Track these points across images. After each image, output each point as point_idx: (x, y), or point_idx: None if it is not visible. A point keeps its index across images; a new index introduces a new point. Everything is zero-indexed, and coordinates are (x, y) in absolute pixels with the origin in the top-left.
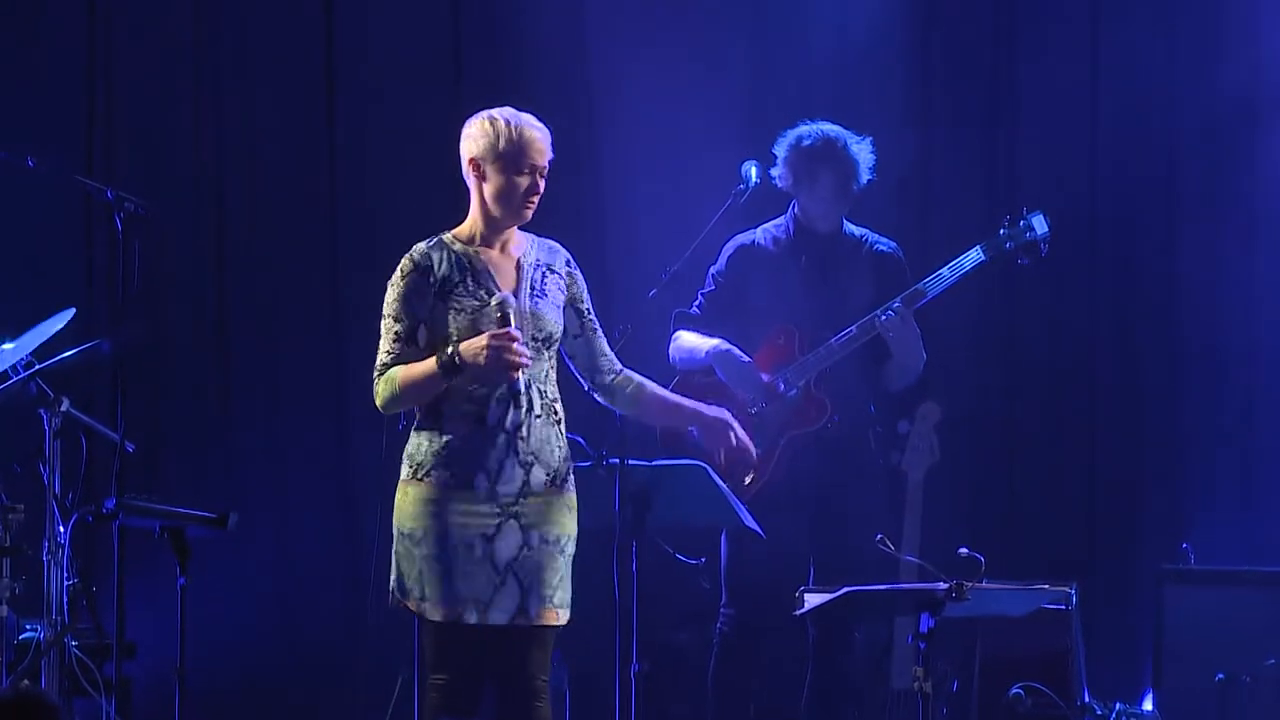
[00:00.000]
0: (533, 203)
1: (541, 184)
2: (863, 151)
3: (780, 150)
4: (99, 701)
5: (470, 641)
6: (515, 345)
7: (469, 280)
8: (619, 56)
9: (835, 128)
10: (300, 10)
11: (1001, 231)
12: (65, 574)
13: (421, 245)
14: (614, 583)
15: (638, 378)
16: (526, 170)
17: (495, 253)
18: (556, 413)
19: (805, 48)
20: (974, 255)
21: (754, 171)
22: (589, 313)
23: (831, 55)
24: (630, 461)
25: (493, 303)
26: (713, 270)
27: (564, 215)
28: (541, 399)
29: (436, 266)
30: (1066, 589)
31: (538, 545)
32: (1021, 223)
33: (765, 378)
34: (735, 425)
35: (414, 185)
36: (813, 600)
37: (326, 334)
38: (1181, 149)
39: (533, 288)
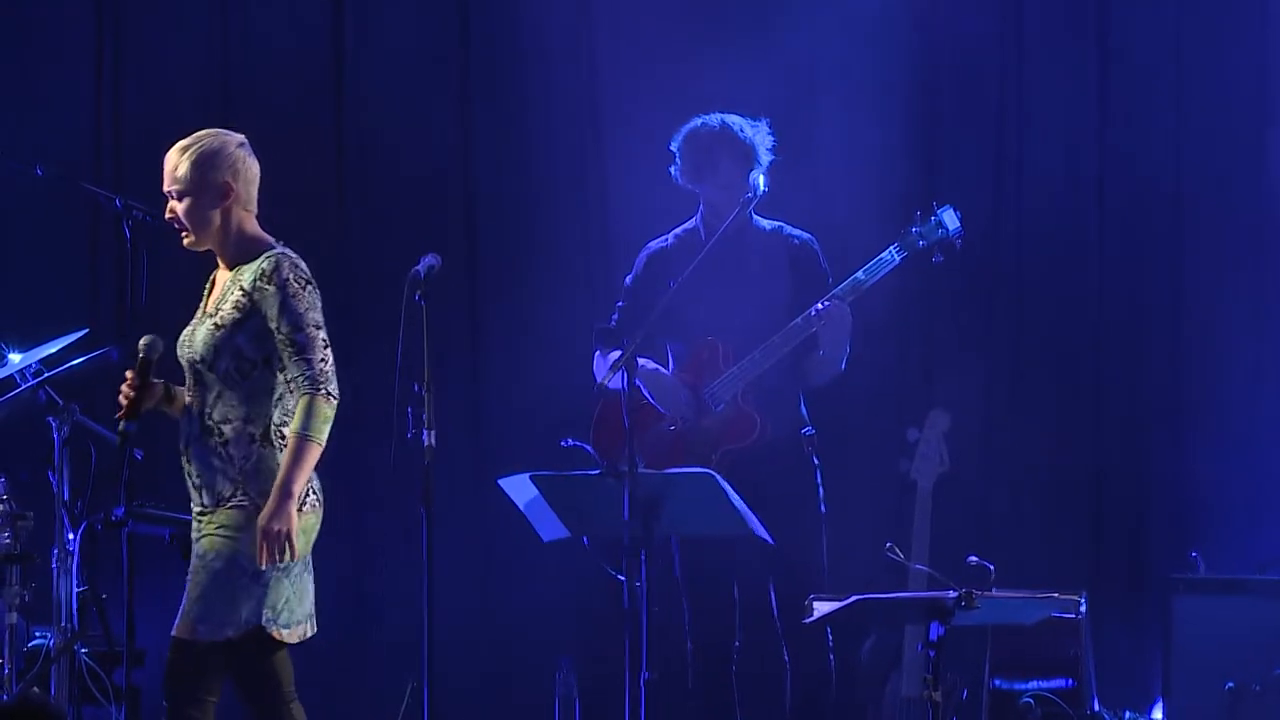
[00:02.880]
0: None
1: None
2: (759, 134)
3: (676, 145)
4: (109, 709)
5: None
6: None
7: None
8: (624, 56)
9: (729, 116)
10: (308, 16)
11: (913, 229)
12: (75, 581)
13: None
14: (624, 591)
15: None
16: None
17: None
18: (219, 434)
19: (808, 50)
20: (889, 256)
21: (761, 180)
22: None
23: (834, 55)
24: (639, 470)
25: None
26: (627, 280)
27: (569, 222)
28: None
29: None
30: (1076, 597)
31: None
32: (933, 219)
33: (690, 394)
34: None
35: (420, 190)
36: (822, 608)
37: (335, 339)
38: (1190, 150)
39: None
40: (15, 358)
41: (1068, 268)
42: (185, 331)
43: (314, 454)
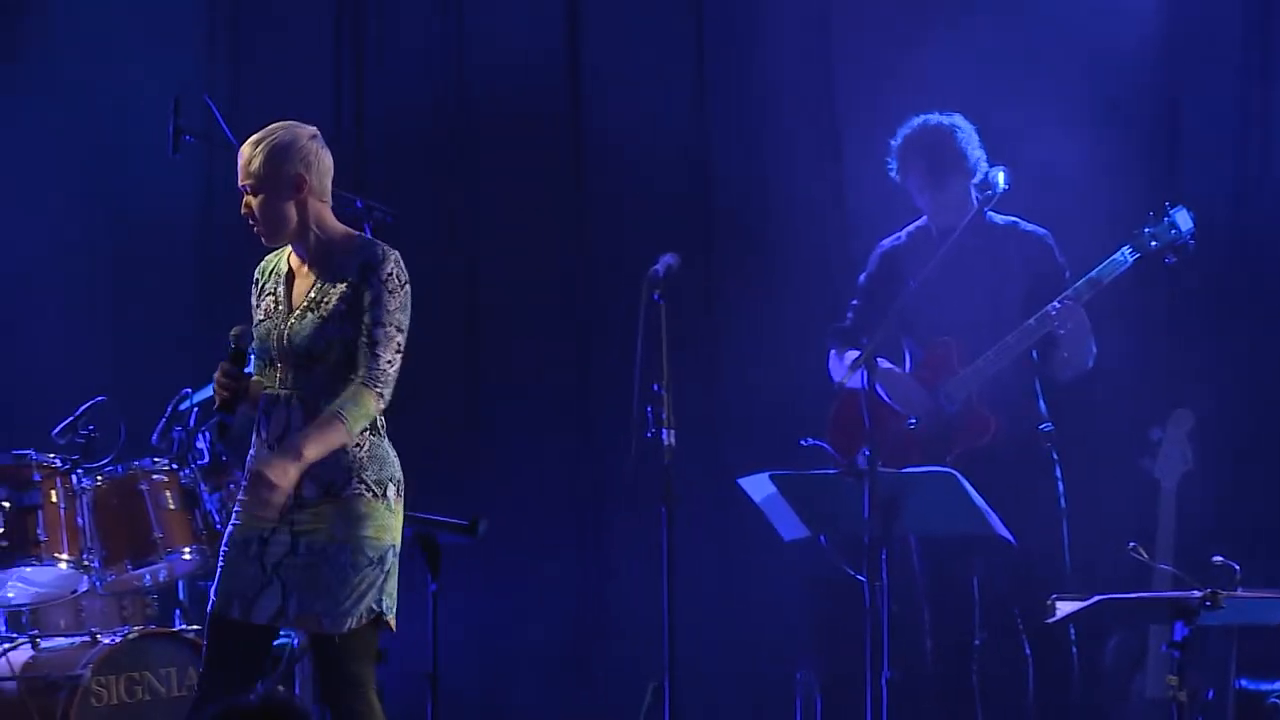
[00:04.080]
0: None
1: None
2: (957, 137)
3: (897, 146)
4: None
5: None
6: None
7: None
8: (861, 48)
9: (941, 116)
10: (544, 14)
11: (1145, 230)
12: None
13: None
14: (864, 590)
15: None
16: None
17: None
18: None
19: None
20: (1121, 257)
21: (1001, 177)
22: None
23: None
24: (879, 469)
25: None
26: (861, 279)
27: (806, 219)
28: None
29: None
30: None
31: (304, 553)
32: (1165, 220)
33: (926, 394)
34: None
35: (657, 189)
36: (1065, 607)
37: (573, 340)
38: None
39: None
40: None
41: None
42: (267, 325)
43: (340, 437)
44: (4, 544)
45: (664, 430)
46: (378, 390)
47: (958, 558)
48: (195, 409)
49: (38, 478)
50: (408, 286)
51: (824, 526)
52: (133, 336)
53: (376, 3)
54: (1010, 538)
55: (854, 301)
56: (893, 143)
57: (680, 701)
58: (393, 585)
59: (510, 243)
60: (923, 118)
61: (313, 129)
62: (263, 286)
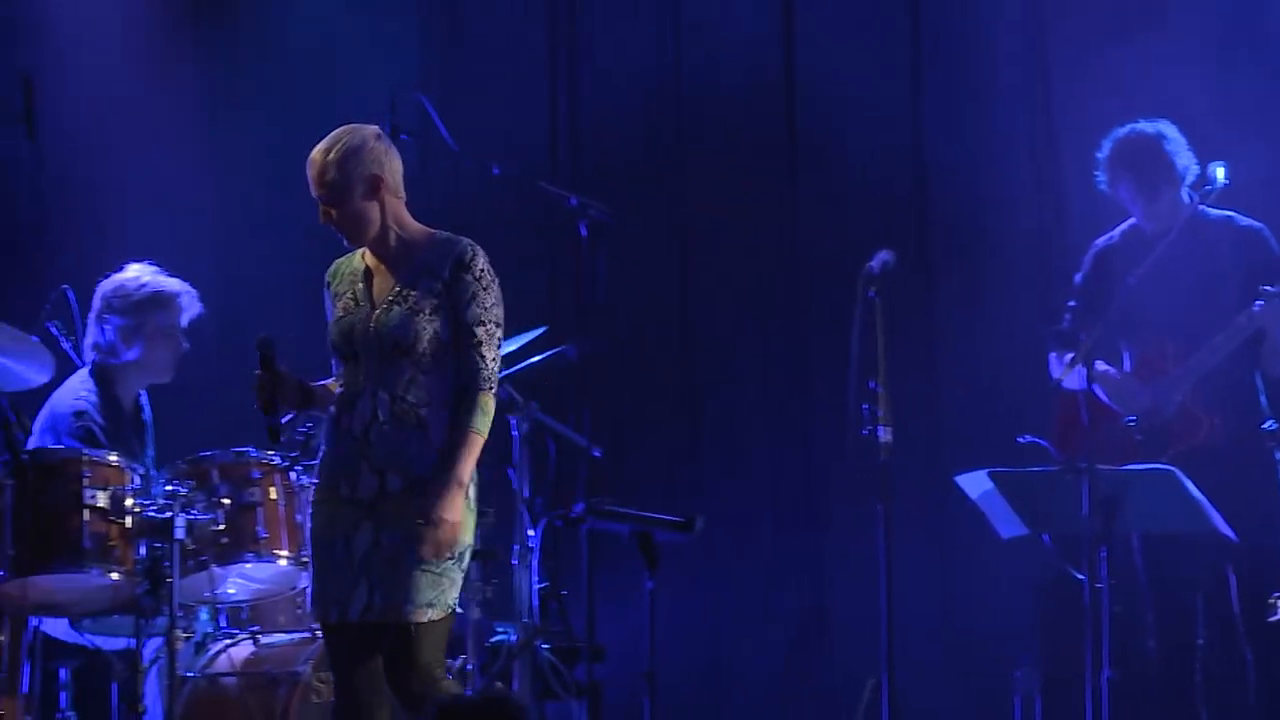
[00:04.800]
0: None
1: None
2: (1165, 146)
3: (1105, 154)
4: (570, 704)
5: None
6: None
7: None
8: (1079, 54)
9: (1147, 124)
10: (759, 6)
11: None
12: (535, 577)
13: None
14: (1084, 589)
15: None
16: None
17: None
18: (416, 417)
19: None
20: None
21: (1221, 173)
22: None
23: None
24: (1099, 466)
25: None
26: (1076, 278)
27: (1022, 215)
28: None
29: None
30: None
31: (387, 545)
32: None
33: (1142, 393)
34: None
35: (872, 186)
36: None
37: (788, 338)
38: None
39: None
40: None
41: None
42: (349, 321)
43: (479, 447)
44: (224, 541)
45: (880, 427)
46: (491, 389)
47: (1180, 556)
48: None
49: (257, 475)
50: (497, 280)
51: (1043, 524)
52: None
53: (591, 3)
54: (1232, 535)
55: (1070, 303)
56: (1099, 155)
57: (899, 698)
58: (460, 583)
59: (725, 240)
60: (1129, 127)
61: (376, 129)
62: (335, 289)
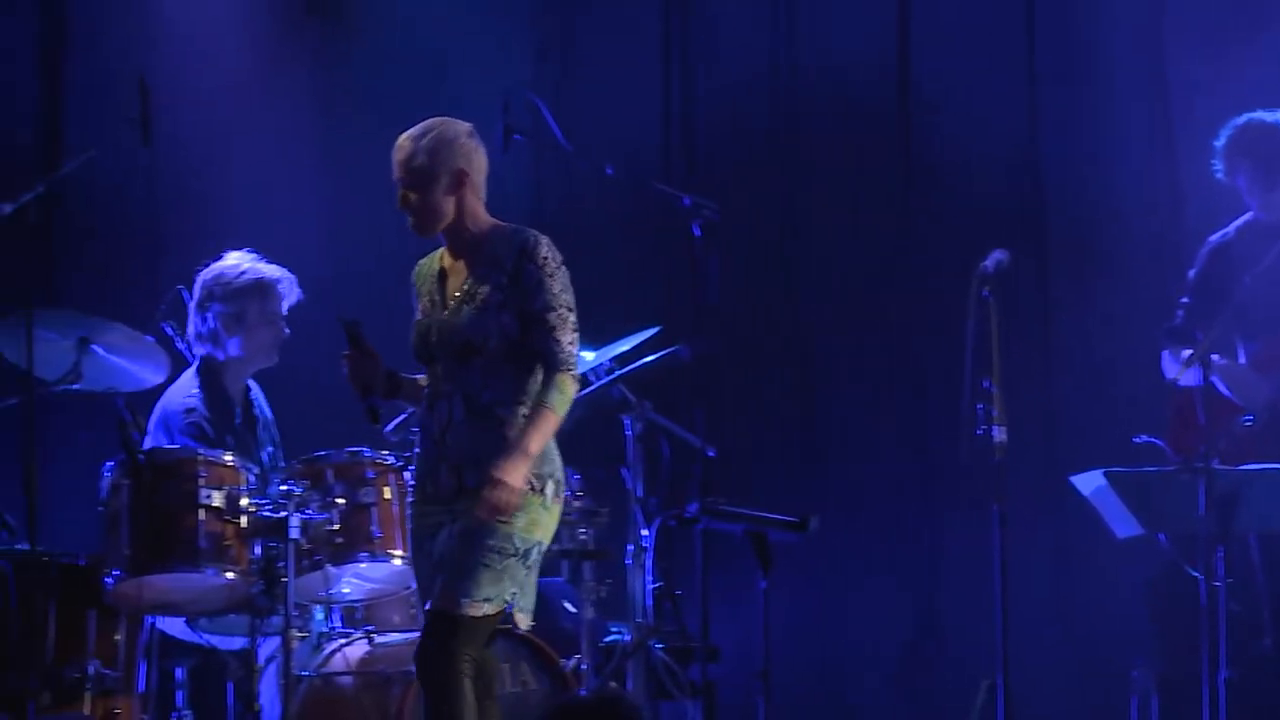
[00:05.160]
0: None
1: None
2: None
3: (1223, 144)
4: (684, 704)
5: None
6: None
7: None
8: (1198, 50)
9: (1265, 114)
10: (874, 17)
11: None
12: (649, 577)
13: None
14: (1200, 589)
15: None
16: None
17: None
18: (493, 416)
19: None
20: None
21: None
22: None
23: None
24: (1216, 466)
25: None
26: (1190, 275)
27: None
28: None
29: None
30: None
31: (457, 535)
32: None
33: (1265, 390)
34: None
35: (987, 184)
36: None
37: (902, 337)
38: None
39: None
40: (589, 356)
41: None
42: (425, 323)
43: (553, 425)
44: (339, 540)
45: (995, 427)
46: (570, 372)
47: None
48: None
49: (371, 475)
50: (564, 267)
51: (1159, 524)
52: None
53: (704, 3)
54: None
55: (1184, 299)
56: (1216, 144)
57: (1014, 700)
58: (532, 583)
59: (838, 240)
60: (1247, 117)
61: (469, 125)
62: (419, 289)
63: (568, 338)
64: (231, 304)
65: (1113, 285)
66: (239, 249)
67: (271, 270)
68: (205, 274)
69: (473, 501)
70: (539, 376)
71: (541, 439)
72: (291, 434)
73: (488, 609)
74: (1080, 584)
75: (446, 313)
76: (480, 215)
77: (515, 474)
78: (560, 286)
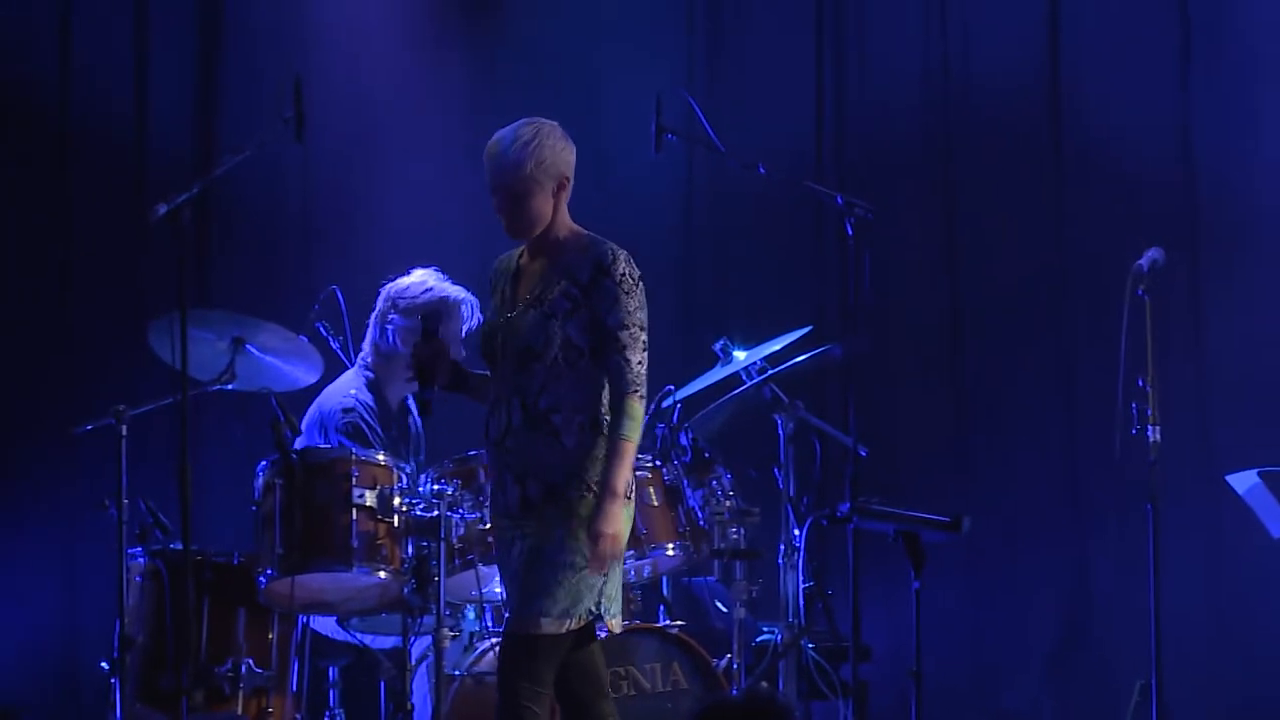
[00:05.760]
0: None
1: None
2: None
3: None
4: (836, 703)
5: None
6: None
7: None
8: None
9: None
10: (1026, 16)
11: None
12: (801, 577)
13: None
14: None
15: None
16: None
17: None
18: (549, 423)
19: None
20: None
21: None
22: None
23: None
24: None
25: None
26: None
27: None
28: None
29: None
30: None
31: (528, 553)
32: None
33: None
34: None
35: (1140, 182)
36: None
37: (1056, 336)
38: None
39: None
40: (741, 355)
41: None
42: (492, 323)
43: (632, 455)
44: (490, 540)
45: (1150, 427)
46: (639, 394)
47: None
48: (678, 406)
49: None
50: (641, 284)
51: None
52: None
53: (858, 4)
54: None
55: None
56: None
57: (1168, 701)
58: (614, 587)
59: (990, 238)
60: None
61: (561, 127)
62: (494, 286)
63: (637, 357)
64: (411, 319)
65: (1267, 282)
66: (400, 258)
67: (456, 291)
68: (390, 287)
69: (539, 520)
70: (601, 390)
71: (625, 472)
72: (444, 434)
73: (570, 624)
74: (1235, 584)
75: (513, 314)
76: (567, 220)
77: (613, 521)
78: (636, 304)
